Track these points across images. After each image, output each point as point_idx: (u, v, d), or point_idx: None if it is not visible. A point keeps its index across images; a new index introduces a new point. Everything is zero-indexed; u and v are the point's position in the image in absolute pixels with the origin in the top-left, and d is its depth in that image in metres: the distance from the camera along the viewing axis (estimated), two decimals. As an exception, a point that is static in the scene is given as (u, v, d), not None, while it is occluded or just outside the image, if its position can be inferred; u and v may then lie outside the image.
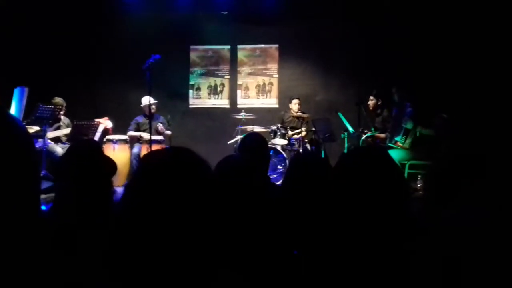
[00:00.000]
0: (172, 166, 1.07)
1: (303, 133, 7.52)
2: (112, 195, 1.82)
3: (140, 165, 1.12)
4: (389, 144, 6.25)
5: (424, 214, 1.47)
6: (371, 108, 6.94)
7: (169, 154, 1.14)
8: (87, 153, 1.86)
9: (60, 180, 1.81)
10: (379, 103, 6.86)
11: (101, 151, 2.00)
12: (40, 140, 6.16)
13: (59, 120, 6.94)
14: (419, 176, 5.59)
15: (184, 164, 1.07)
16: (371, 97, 6.92)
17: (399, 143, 6.04)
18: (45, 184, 4.84)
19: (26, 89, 6.00)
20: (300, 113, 7.65)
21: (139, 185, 1.06)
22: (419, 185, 5.59)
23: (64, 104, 6.97)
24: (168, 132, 7.44)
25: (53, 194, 1.82)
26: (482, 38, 6.93)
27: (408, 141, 5.99)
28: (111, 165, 1.91)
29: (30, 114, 6.05)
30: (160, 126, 7.31)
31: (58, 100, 6.93)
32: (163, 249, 0.99)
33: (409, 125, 5.93)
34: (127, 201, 1.05)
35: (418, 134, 5.97)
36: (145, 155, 1.21)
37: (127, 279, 1.01)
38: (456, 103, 6.62)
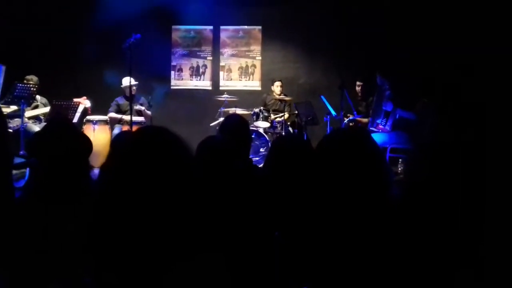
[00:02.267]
0: (144, 144, 1.04)
1: (286, 116, 7.51)
2: (88, 173, 1.79)
3: (112, 145, 1.10)
4: (371, 128, 6.29)
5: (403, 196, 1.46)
6: (359, 94, 6.97)
7: (141, 133, 1.12)
8: (61, 131, 1.83)
9: (34, 158, 1.78)
10: (365, 88, 6.90)
11: (75, 129, 1.97)
12: (17, 119, 6.04)
13: (34, 98, 6.77)
14: (400, 160, 5.65)
15: (157, 142, 1.05)
16: (358, 83, 6.94)
17: (380, 126, 6.08)
18: (17, 160, 4.76)
19: (3, 67, 5.86)
20: (283, 96, 7.63)
21: (113, 164, 1.03)
22: (399, 169, 5.64)
23: (37, 82, 6.81)
24: (149, 113, 7.35)
25: (24, 170, 1.80)
26: (465, 20, 6.95)
27: (389, 123, 6.04)
28: (86, 144, 1.88)
29: (8, 93, 5.92)
30: (141, 108, 7.22)
31: (31, 77, 6.77)
32: (140, 228, 0.97)
33: (388, 107, 5.98)
34: (103, 181, 1.03)
35: (397, 116, 6.01)
36: (116, 136, 1.19)
37: (105, 259, 0.99)
38: (438, 88, 6.67)
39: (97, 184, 1.07)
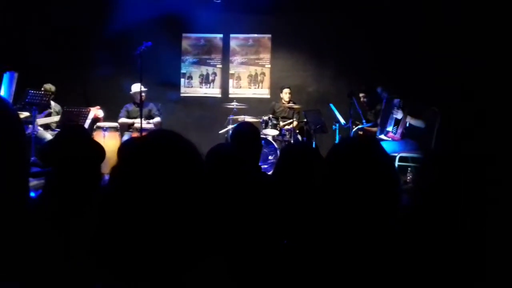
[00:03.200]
0: (154, 148, 1.05)
1: (295, 124, 7.52)
2: (100, 181, 1.80)
3: (119, 150, 1.09)
4: (380, 136, 6.27)
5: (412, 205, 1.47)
6: (364, 105, 6.97)
7: (151, 136, 1.12)
8: (74, 138, 1.84)
9: (47, 166, 1.79)
10: (370, 97, 6.88)
11: (89, 137, 1.98)
12: (29, 126, 6.10)
13: (49, 106, 6.89)
14: (409, 168, 5.62)
15: (167, 146, 1.05)
16: (361, 94, 6.93)
17: (391, 133, 6.06)
18: (35, 170, 4.80)
19: (16, 74, 5.93)
20: (291, 104, 7.64)
21: (122, 170, 1.04)
22: (409, 177, 5.61)
23: (54, 91, 6.91)
24: (158, 119, 7.39)
25: (42, 180, 1.81)
26: (471, 32, 6.94)
27: (399, 130, 6.02)
28: (99, 151, 1.89)
29: (20, 99, 5.99)
30: (150, 123, 7.26)
31: (48, 86, 6.88)
32: (149, 233, 0.98)
33: (399, 115, 5.96)
34: (112, 187, 1.03)
35: (408, 124, 5.98)
36: (124, 141, 1.20)
37: (113, 265, 1.00)
38: (446, 97, 6.65)
39: (105, 188, 1.07)
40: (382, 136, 6.21)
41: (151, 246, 0.98)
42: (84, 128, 2.03)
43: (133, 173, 1.01)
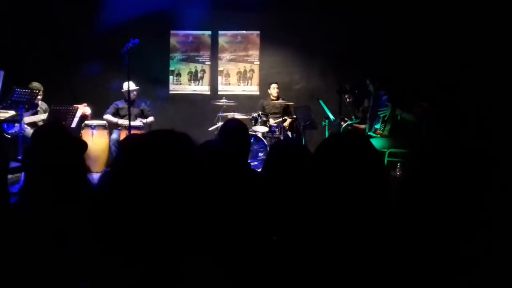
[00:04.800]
0: (154, 146, 1.05)
1: (288, 121, 7.53)
2: (85, 176, 1.79)
3: (121, 145, 1.10)
4: (369, 133, 6.29)
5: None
6: (352, 105, 6.99)
7: (153, 135, 1.12)
8: (52, 135, 1.84)
9: (30, 164, 1.78)
10: (355, 97, 6.91)
11: (66, 132, 1.97)
12: (16, 124, 6.04)
13: (36, 105, 6.82)
14: (399, 164, 5.65)
15: (169, 145, 1.06)
16: (346, 95, 6.92)
17: (379, 131, 6.08)
18: (12, 165, 4.77)
19: (2, 72, 5.86)
20: (281, 101, 7.65)
21: (121, 164, 1.04)
22: (398, 173, 5.64)
23: (42, 89, 6.84)
24: (151, 118, 7.39)
25: (19, 175, 1.81)
26: (458, 25, 6.98)
27: (387, 128, 6.04)
28: (80, 145, 1.89)
29: (6, 97, 5.92)
30: (141, 122, 7.24)
31: (35, 84, 6.81)
32: (145, 228, 0.97)
33: (387, 111, 5.98)
34: (110, 181, 1.03)
35: (399, 117, 6.00)
36: (125, 138, 1.20)
37: (105, 256, 0.99)
38: (434, 91, 6.68)
39: (102, 183, 1.07)
40: (371, 133, 6.24)
41: (148, 241, 0.98)
42: (61, 124, 2.02)
43: (134, 169, 1.01)
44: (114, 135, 7.05)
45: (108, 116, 7.31)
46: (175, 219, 1.01)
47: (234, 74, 8.72)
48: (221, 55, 8.72)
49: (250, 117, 7.33)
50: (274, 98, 7.84)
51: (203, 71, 8.74)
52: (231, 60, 8.72)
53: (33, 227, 1.59)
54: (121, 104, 7.43)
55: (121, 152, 1.08)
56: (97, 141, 6.78)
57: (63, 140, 1.84)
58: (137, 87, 7.22)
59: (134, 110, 7.21)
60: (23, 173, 5.31)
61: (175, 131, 1.12)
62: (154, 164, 1.01)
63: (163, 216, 0.99)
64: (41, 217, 1.59)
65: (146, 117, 7.43)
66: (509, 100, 5.99)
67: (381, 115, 6.05)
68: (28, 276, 1.54)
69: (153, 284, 0.99)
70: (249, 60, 8.69)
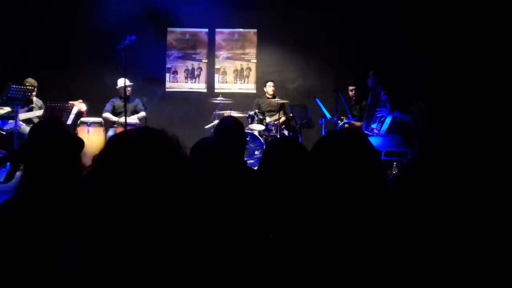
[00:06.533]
0: (140, 142, 1.04)
1: (282, 119, 7.52)
2: (81, 173, 1.78)
3: (107, 143, 1.09)
4: (366, 132, 6.29)
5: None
6: (353, 98, 6.98)
7: (136, 132, 1.12)
8: (49, 131, 1.82)
9: (27, 161, 1.77)
10: (359, 91, 6.90)
11: (64, 129, 1.96)
12: (11, 121, 6.01)
13: (31, 101, 6.79)
14: (395, 163, 5.65)
15: (152, 141, 1.05)
16: (350, 87, 6.94)
17: (375, 130, 6.09)
18: None
19: (-3, 69, 5.84)
20: (277, 99, 7.64)
21: (108, 160, 1.03)
22: (394, 172, 5.64)
23: (36, 85, 6.81)
24: (142, 114, 7.33)
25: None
26: (458, 25, 6.98)
27: (383, 127, 6.04)
28: (77, 142, 1.88)
29: (1, 94, 5.89)
30: (134, 118, 7.20)
31: (30, 80, 6.77)
32: (131, 227, 0.97)
33: (385, 112, 5.97)
34: (96, 176, 1.02)
35: (398, 120, 6.00)
36: (111, 137, 1.20)
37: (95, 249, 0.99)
38: (432, 92, 6.68)
39: (87, 179, 1.07)
40: (368, 132, 6.24)
41: (137, 238, 0.98)
42: (57, 120, 2.00)
43: (116, 166, 1.01)
44: (110, 132, 7.03)
45: (107, 114, 7.26)
46: (163, 215, 1.00)
47: (231, 72, 8.70)
48: (218, 53, 8.70)
49: (247, 115, 7.32)
50: (270, 96, 7.84)
51: (200, 68, 8.72)
52: (228, 58, 8.71)
53: (29, 224, 1.58)
54: (117, 101, 7.39)
55: (106, 149, 1.07)
56: (93, 138, 6.74)
57: (60, 137, 1.83)
58: (132, 83, 7.16)
59: (129, 107, 7.16)
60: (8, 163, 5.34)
61: (154, 129, 1.13)
62: (134, 161, 1.01)
63: (150, 212, 0.99)
64: (37, 214, 1.58)
65: (137, 113, 7.36)
66: (509, 100, 5.99)
67: (379, 116, 6.04)
68: (26, 274, 1.53)
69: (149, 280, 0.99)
70: (246, 58, 8.67)
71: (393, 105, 5.98)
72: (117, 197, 0.97)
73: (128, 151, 1.02)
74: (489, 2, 6.67)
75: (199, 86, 8.72)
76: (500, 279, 1.21)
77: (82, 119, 6.99)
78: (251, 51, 8.65)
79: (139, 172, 0.99)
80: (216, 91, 8.49)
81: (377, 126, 6.08)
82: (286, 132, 7.54)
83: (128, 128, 6.11)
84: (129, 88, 7.08)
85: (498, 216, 1.24)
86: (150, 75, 8.35)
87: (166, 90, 8.67)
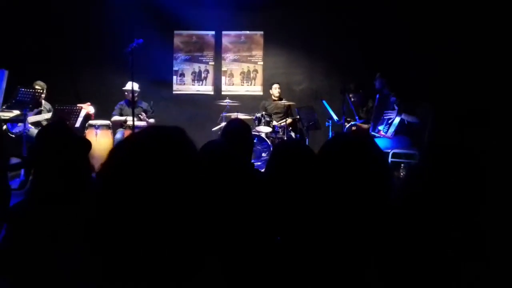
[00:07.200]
0: (149, 142, 1.04)
1: (288, 121, 7.52)
2: (90, 175, 1.79)
3: (123, 142, 1.08)
4: (372, 133, 6.27)
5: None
6: (356, 104, 6.97)
7: (146, 131, 1.11)
8: (57, 134, 1.84)
9: (36, 163, 1.78)
10: (359, 96, 6.88)
11: (71, 131, 1.98)
12: (20, 124, 6.06)
13: (40, 104, 6.84)
14: (402, 164, 5.63)
15: (166, 142, 1.05)
16: (350, 95, 6.90)
17: (382, 132, 6.07)
18: (12, 161, 4.81)
19: (6, 72, 5.88)
20: (284, 101, 7.65)
21: (114, 164, 1.03)
22: (402, 174, 5.62)
23: (45, 87, 6.87)
24: (152, 120, 7.38)
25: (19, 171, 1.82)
26: (466, 29, 6.96)
27: (391, 130, 6.02)
28: (84, 144, 1.90)
29: (10, 97, 5.94)
30: (142, 115, 7.22)
31: (40, 83, 6.83)
32: (142, 230, 0.96)
33: (393, 115, 5.95)
34: (109, 179, 1.02)
35: (406, 122, 5.97)
36: (129, 135, 1.18)
37: (108, 263, 0.98)
38: (439, 93, 6.67)
39: (96, 184, 1.06)
40: (375, 134, 6.22)
41: (148, 243, 0.97)
42: (64, 123, 2.00)
43: (127, 168, 1.00)
44: (118, 135, 7.06)
45: (115, 117, 7.31)
46: (174, 218, 0.99)
47: (237, 74, 8.72)
48: (224, 55, 8.72)
49: (254, 117, 7.33)
50: (276, 99, 7.85)
51: (207, 71, 8.74)
52: (234, 60, 8.72)
53: (39, 227, 1.59)
54: (124, 105, 7.43)
55: (115, 151, 1.06)
56: (101, 141, 6.78)
57: (68, 139, 1.85)
58: (138, 90, 7.21)
59: (138, 110, 7.20)
60: (22, 170, 5.36)
61: (167, 127, 1.11)
62: (148, 161, 1.00)
63: (161, 215, 0.98)
64: (47, 217, 1.60)
65: (146, 114, 7.39)
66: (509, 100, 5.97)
67: (386, 118, 6.01)
68: (33, 274, 1.54)
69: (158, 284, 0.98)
70: (252, 60, 8.69)
71: (401, 107, 5.94)
72: (129, 198, 0.97)
73: (139, 153, 1.02)
74: (489, 2, 6.65)
75: (206, 88, 8.74)
76: (508, 283, 1.21)
77: (90, 122, 7.03)
78: (258, 53, 8.67)
79: (151, 174, 0.98)
80: (223, 93, 8.51)
81: (384, 128, 6.06)
82: (293, 134, 7.54)
83: (136, 131, 6.13)
84: (136, 94, 7.12)
85: (506, 218, 1.24)
86: (157, 78, 8.40)
87: (173, 92, 8.70)
